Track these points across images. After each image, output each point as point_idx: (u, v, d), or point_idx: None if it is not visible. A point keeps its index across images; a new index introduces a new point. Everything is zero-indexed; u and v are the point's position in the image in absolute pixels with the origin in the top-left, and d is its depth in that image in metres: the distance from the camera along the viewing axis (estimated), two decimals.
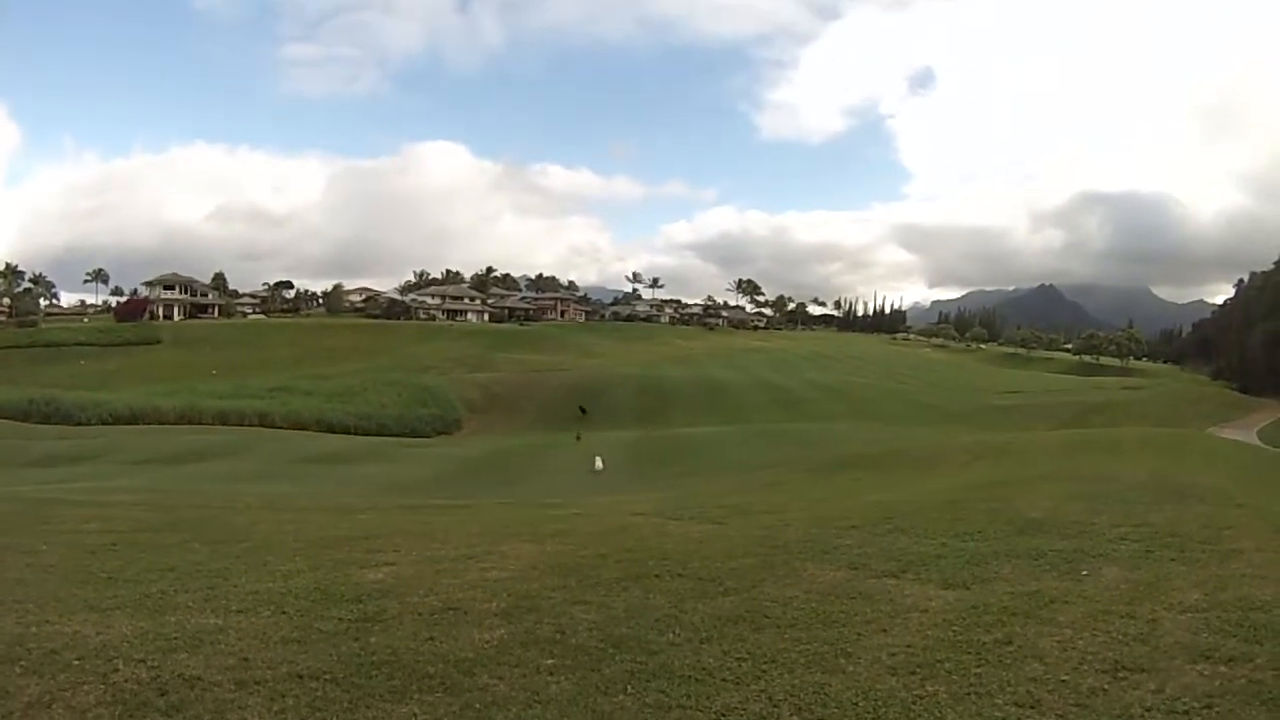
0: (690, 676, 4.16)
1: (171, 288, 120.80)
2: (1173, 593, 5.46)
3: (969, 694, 3.90)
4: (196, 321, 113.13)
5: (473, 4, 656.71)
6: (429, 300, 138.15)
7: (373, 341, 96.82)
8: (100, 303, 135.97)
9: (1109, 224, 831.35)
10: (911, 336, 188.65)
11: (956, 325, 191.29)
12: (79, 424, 46.12)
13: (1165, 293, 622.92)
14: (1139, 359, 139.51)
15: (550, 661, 4.38)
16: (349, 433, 49.04)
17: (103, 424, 46.58)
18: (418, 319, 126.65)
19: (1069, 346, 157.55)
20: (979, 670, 4.17)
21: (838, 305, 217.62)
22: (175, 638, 4.60)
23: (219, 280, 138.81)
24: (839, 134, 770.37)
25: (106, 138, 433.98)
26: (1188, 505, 9.16)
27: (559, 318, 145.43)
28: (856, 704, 3.82)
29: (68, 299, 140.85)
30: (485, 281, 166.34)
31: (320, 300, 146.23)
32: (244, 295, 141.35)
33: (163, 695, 3.83)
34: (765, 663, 4.34)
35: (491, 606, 5.37)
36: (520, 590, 5.80)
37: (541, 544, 7.75)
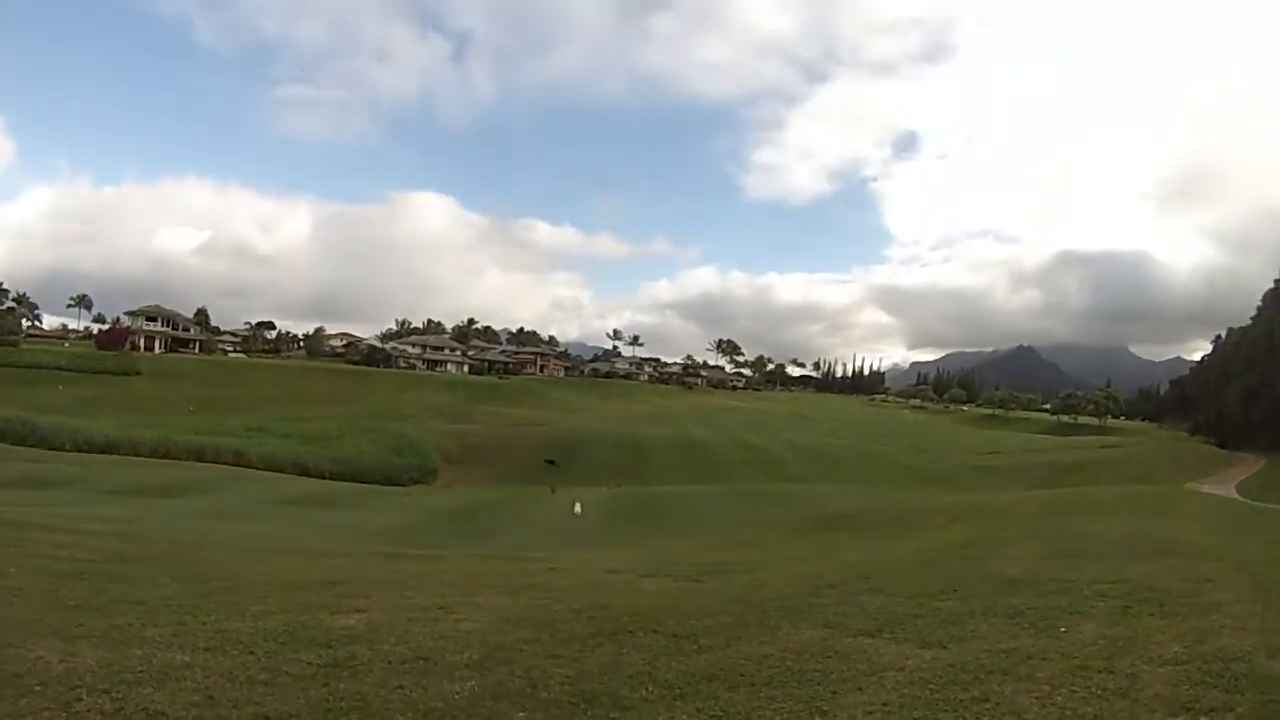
0: None
1: (154, 319, 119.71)
2: (1152, 646, 5.47)
3: None
4: (177, 355, 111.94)
5: (466, 56, 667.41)
6: (409, 349, 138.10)
7: (352, 387, 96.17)
8: (82, 328, 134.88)
9: (1088, 283, 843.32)
10: (890, 398, 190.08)
11: (935, 387, 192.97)
12: (54, 449, 45.63)
13: (1143, 351, 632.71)
14: (1117, 417, 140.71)
15: (521, 715, 4.31)
16: (324, 477, 48.50)
17: (78, 451, 46.17)
18: (398, 367, 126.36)
19: (1047, 406, 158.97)
20: None
21: (817, 366, 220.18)
22: (141, 671, 4.51)
23: (201, 316, 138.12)
24: (822, 196, 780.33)
25: (100, 163, 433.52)
26: (1166, 560, 9.22)
27: (539, 372, 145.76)
28: None
29: (50, 322, 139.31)
30: (466, 333, 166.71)
31: (301, 343, 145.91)
32: (225, 333, 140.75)
33: None
34: None
35: (463, 657, 5.28)
36: (492, 642, 5.71)
37: (515, 597, 7.69)
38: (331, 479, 48.09)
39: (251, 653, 5.07)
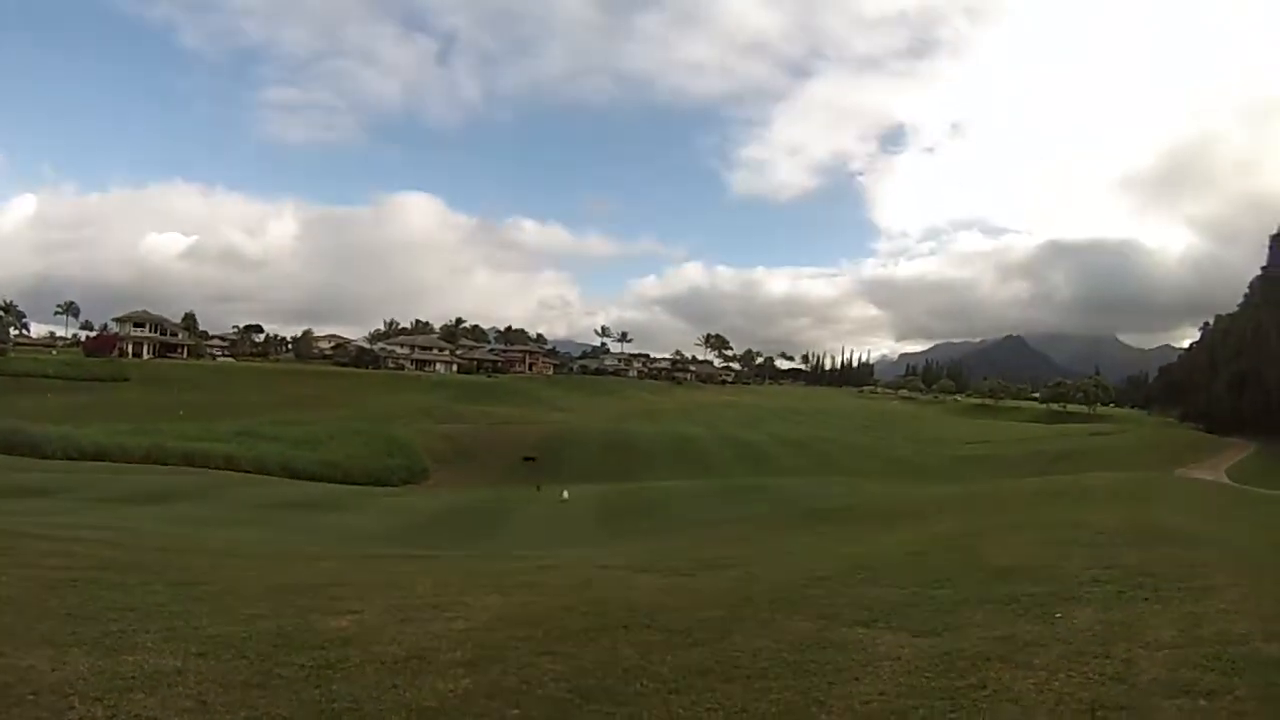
0: None
1: (142, 325, 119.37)
2: (1148, 631, 5.48)
3: None
4: (165, 361, 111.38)
5: (452, 58, 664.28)
6: (398, 350, 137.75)
7: (341, 389, 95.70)
8: (70, 336, 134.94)
9: (1075, 273, 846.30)
10: (879, 389, 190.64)
11: (924, 378, 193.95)
12: (45, 456, 45.17)
13: (1131, 339, 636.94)
14: (1106, 405, 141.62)
15: (516, 712, 4.28)
16: (315, 480, 48.19)
17: (68, 459, 45.66)
18: (386, 368, 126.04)
19: (1036, 395, 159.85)
20: (954, 715, 4.13)
21: (805, 360, 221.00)
22: (133, 677, 4.48)
23: (189, 320, 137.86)
24: (809, 191, 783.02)
25: (86, 169, 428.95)
26: (1159, 546, 9.26)
27: (527, 370, 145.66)
28: None
29: (38, 329, 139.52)
30: (454, 333, 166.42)
31: (290, 346, 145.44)
32: (214, 337, 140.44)
33: None
34: (736, 713, 4.28)
35: (456, 656, 5.25)
36: (486, 641, 5.68)
37: (508, 595, 7.65)
38: (322, 481, 47.87)
39: (244, 656, 5.03)
